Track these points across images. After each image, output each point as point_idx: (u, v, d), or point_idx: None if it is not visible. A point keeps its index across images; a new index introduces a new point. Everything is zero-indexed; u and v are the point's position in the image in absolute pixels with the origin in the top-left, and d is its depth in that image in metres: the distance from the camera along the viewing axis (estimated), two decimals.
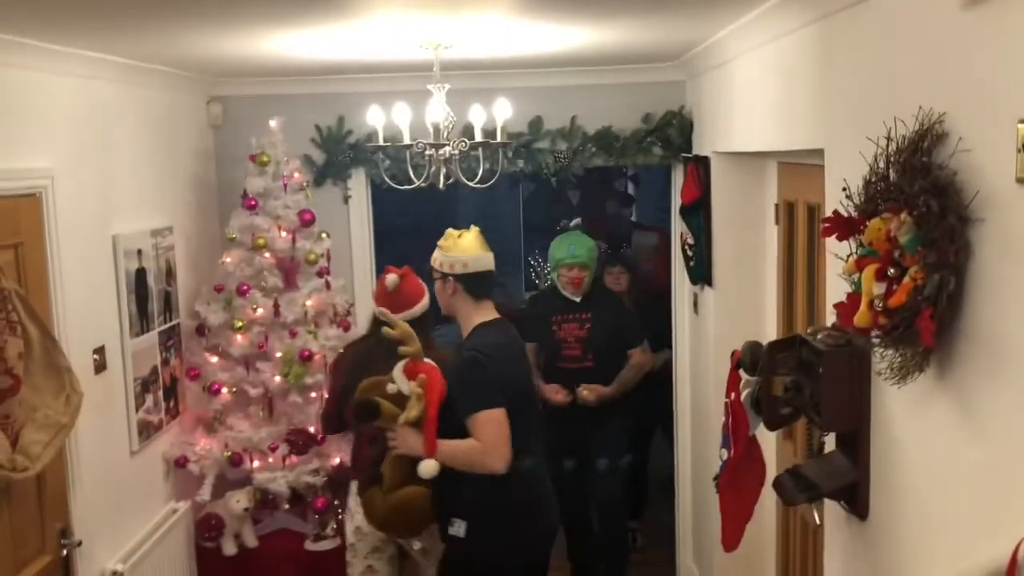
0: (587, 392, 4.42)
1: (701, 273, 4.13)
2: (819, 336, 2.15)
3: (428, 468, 2.97)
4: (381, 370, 3.10)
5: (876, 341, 1.79)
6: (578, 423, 4.47)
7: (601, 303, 4.63)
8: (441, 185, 3.22)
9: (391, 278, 3.46)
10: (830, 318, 2.53)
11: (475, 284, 3.18)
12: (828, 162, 2.34)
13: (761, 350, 2.23)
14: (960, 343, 1.61)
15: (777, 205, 3.83)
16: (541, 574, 3.37)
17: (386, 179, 3.54)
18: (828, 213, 2.37)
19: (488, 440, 2.93)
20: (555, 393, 4.43)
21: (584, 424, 4.48)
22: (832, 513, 2.39)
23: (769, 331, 3.93)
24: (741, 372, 2.29)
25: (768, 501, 3.99)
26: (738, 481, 2.28)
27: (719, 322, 4.01)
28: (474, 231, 3.25)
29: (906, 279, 1.66)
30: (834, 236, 1.89)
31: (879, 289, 1.73)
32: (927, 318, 1.58)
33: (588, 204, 8.19)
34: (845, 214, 1.89)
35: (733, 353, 2.29)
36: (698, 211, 4.08)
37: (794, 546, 3.72)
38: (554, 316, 4.58)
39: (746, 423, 2.19)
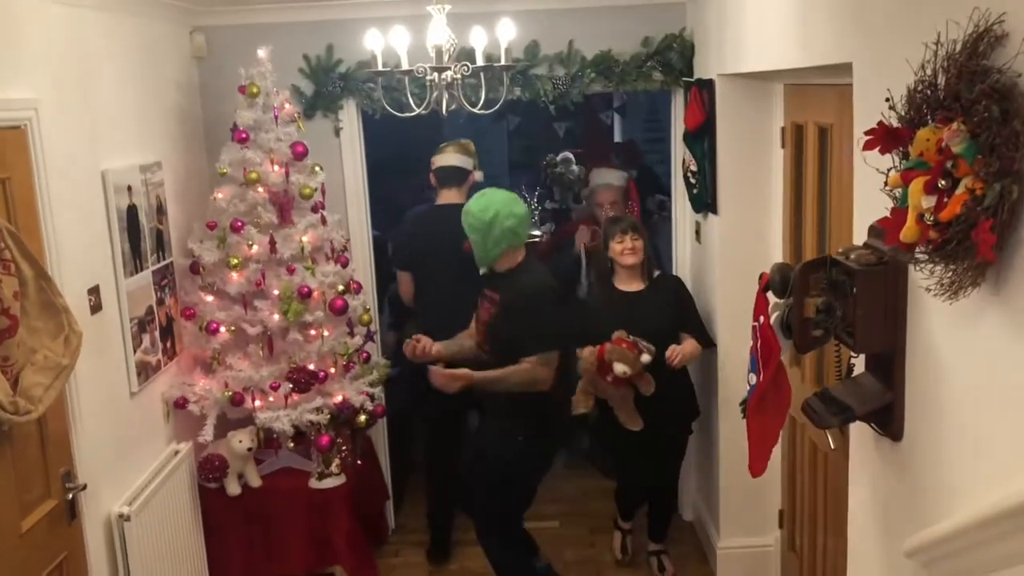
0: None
1: (704, 201, 4.06)
2: (851, 256, 2.08)
3: None
4: None
5: (923, 257, 1.72)
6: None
7: (513, 285, 3.59)
8: (444, 111, 3.11)
9: None
10: (852, 239, 2.45)
11: (438, 175, 4.45)
12: (859, 76, 2.25)
13: (791, 272, 2.16)
14: (1020, 256, 1.54)
15: (783, 128, 3.75)
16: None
17: (386, 105, 3.40)
18: (859, 131, 2.30)
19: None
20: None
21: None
22: (859, 436, 2.36)
23: (775, 258, 3.87)
24: (768, 295, 2.23)
25: None
26: (765, 406, 2.24)
27: (724, 250, 3.95)
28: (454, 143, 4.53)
29: (960, 190, 1.59)
30: (876, 149, 1.81)
31: (928, 202, 1.65)
32: (986, 230, 1.51)
33: (578, 137, 8.03)
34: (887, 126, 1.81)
35: (761, 276, 2.22)
36: (702, 137, 3.99)
37: (802, 470, 3.72)
38: (482, 288, 3.78)
39: (777, 346, 2.13)
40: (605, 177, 5.05)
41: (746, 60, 3.44)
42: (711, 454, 4.30)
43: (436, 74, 3.05)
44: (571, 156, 8.46)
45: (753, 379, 2.21)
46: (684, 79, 4.25)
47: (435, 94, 3.10)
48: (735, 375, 3.96)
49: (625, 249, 4.02)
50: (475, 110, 3.20)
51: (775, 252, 3.86)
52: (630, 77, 4.30)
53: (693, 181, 4.11)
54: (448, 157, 4.42)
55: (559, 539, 4.67)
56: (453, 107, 3.17)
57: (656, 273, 4.14)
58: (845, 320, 2.12)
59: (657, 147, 8.94)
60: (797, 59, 2.79)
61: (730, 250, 3.93)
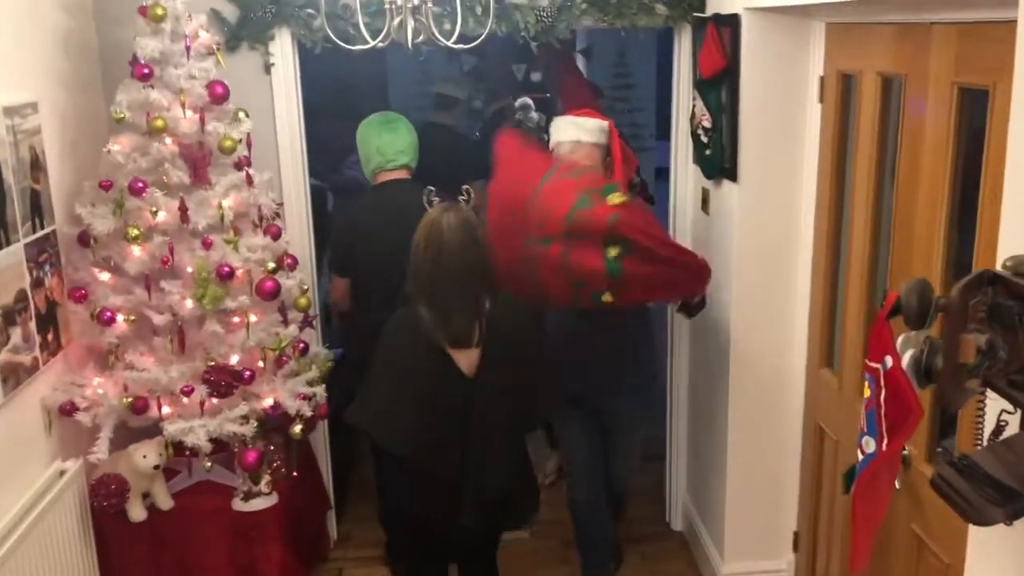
0: None
1: (719, 164, 3.35)
2: None
3: None
4: None
5: None
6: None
7: None
8: (410, 44, 2.33)
9: None
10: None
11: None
12: None
13: (933, 294, 1.47)
14: None
15: (822, 78, 3.06)
16: None
17: (331, 35, 2.60)
18: (1019, 87, 1.61)
19: None
20: None
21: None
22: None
23: (807, 239, 3.22)
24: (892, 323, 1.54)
25: (787, 419, 3.35)
26: (879, 479, 1.57)
27: (745, 225, 3.26)
28: None
29: None
30: None
31: None
32: None
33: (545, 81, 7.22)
34: None
35: (885, 296, 1.53)
36: (718, 86, 3.27)
37: (830, 491, 3.11)
38: None
39: (918, 407, 1.45)
40: (571, 131, 3.24)
41: None
42: (715, 457, 3.66)
43: None
44: (530, 102, 7.62)
45: (872, 446, 1.54)
46: (695, 14, 3.51)
47: (397, 20, 2.32)
48: (747, 365, 3.41)
49: None
50: (452, 45, 2.43)
51: (806, 232, 3.19)
52: (629, 10, 3.52)
53: (705, 140, 3.40)
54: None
55: (531, 555, 4.04)
56: (420, 39, 2.39)
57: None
58: (1011, 364, 1.45)
59: (626, 95, 8.19)
60: None
61: (752, 226, 3.25)
